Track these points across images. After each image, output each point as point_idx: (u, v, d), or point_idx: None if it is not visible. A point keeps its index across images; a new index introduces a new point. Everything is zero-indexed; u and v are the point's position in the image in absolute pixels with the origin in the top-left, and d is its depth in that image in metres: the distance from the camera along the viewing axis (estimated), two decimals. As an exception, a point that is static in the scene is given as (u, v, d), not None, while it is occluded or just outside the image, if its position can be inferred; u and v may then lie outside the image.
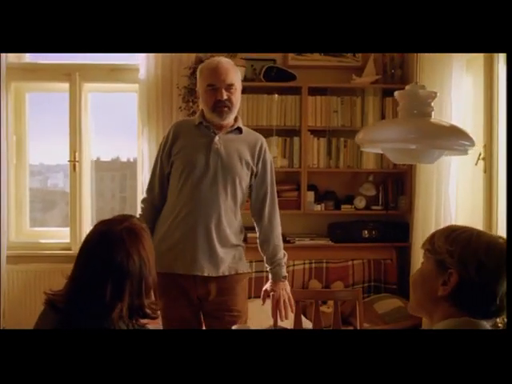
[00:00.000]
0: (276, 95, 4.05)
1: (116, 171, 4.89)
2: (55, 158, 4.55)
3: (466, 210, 3.49)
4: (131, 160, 4.51)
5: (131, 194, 4.49)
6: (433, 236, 1.45)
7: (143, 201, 2.65)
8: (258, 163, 2.55)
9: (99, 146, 4.49)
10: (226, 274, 2.52)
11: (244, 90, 3.96)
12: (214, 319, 2.52)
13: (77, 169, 4.18)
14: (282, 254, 2.64)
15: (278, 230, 2.66)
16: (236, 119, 2.56)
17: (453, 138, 1.82)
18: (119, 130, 4.54)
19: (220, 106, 2.44)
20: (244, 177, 2.51)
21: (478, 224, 3.23)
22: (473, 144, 1.82)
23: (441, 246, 1.40)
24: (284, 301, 2.57)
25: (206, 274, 2.47)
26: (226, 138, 2.50)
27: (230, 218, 2.51)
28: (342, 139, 4.11)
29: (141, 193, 4.17)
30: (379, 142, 1.92)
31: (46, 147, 4.46)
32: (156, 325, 2.48)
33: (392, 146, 1.88)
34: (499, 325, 2.17)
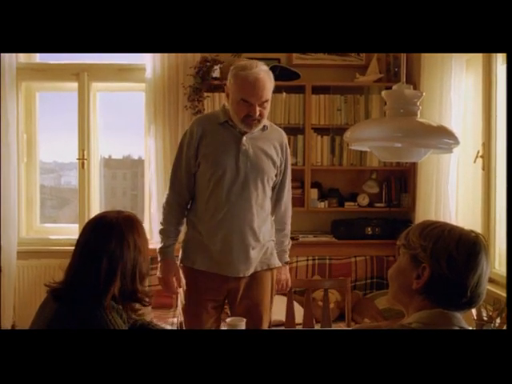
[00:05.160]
0: (284, 93, 4.10)
1: (127, 169, 4.94)
2: (68, 156, 4.58)
3: (466, 206, 3.51)
4: (142, 158, 4.52)
5: (142, 191, 4.55)
6: (408, 232, 1.49)
7: (168, 203, 2.57)
8: (282, 159, 2.57)
9: (108, 145, 4.56)
10: (258, 269, 2.56)
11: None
12: (241, 311, 2.48)
13: (85, 166, 4.27)
14: (288, 241, 2.72)
15: (290, 219, 2.73)
16: None
17: (437, 136, 1.84)
18: (128, 129, 4.60)
19: (250, 120, 2.41)
20: (271, 174, 2.53)
21: (476, 220, 3.27)
22: (457, 142, 1.85)
23: (415, 241, 1.45)
24: (282, 284, 2.69)
25: (241, 275, 2.51)
26: (252, 137, 2.48)
27: (262, 217, 2.53)
28: (345, 137, 4.14)
29: (148, 190, 4.24)
30: (366, 141, 1.95)
31: (58, 145, 4.53)
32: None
33: (378, 144, 1.92)
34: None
